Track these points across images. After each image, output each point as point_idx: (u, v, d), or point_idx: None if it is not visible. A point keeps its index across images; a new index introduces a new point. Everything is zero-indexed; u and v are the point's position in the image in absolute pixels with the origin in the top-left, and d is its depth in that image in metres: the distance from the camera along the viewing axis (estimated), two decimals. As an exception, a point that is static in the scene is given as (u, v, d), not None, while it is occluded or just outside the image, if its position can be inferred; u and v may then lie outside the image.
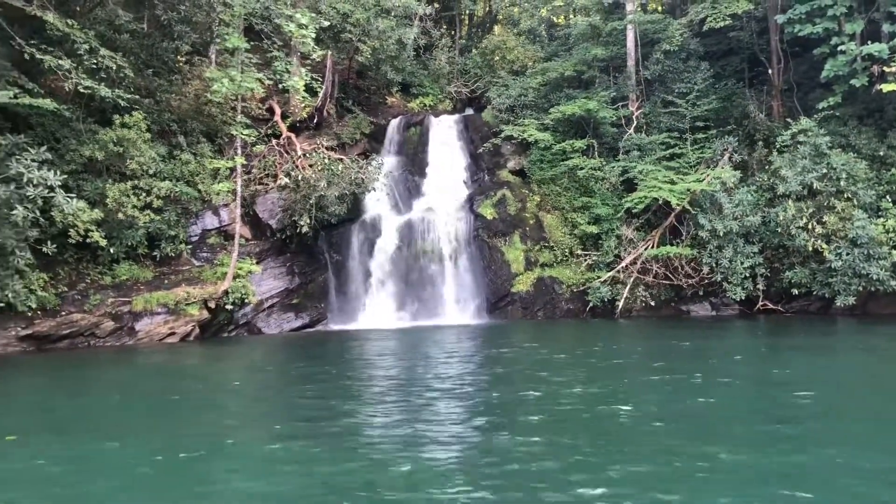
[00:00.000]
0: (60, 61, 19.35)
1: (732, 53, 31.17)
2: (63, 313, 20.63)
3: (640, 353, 17.90)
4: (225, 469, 8.41)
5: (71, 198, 19.10)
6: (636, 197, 25.42)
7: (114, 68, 20.18)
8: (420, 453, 8.56)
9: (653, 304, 25.59)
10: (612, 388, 12.71)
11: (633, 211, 25.77)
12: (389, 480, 7.59)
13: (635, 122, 28.49)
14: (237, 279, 23.01)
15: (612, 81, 30.24)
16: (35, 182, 18.31)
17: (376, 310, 26.42)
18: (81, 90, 19.80)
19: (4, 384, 15.18)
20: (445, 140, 30.23)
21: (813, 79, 27.17)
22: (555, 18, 38.78)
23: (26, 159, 18.52)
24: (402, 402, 11.79)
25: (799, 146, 24.31)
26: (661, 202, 25.33)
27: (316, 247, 26.71)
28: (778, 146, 25.13)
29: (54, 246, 19.55)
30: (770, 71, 28.90)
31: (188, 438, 9.66)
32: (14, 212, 17.95)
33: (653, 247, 25.62)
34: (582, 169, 26.96)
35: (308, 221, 24.60)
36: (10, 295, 18.78)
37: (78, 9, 22.51)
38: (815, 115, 24.96)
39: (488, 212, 27.39)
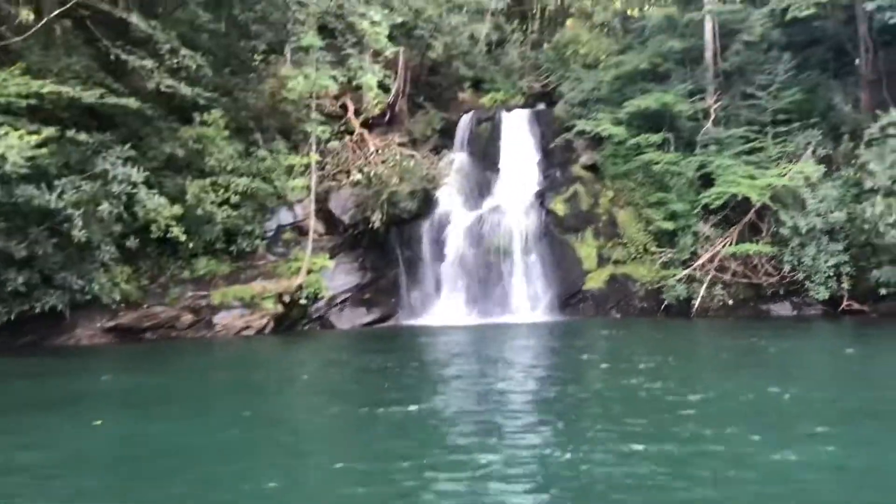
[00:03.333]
0: (144, 61, 19.99)
1: (817, 43, 29.87)
2: (145, 306, 21.33)
3: (737, 357, 16.47)
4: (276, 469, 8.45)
5: (153, 194, 19.73)
6: (714, 192, 24.69)
7: (194, 67, 20.71)
8: (487, 460, 8.34)
9: (730, 303, 24.78)
10: (737, 399, 11.25)
11: (711, 207, 25.01)
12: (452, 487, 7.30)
13: (713, 116, 27.62)
14: (311, 274, 23.34)
15: (688, 74, 29.37)
16: (119, 179, 18.98)
17: (446, 306, 26.40)
18: (163, 89, 20.39)
19: (91, 374, 15.76)
20: (517, 135, 29.93)
21: (905, 68, 25.87)
22: (629, 11, 37.96)
23: (111, 157, 19.22)
24: (471, 404, 11.64)
25: (889, 139, 23.14)
26: (740, 198, 24.52)
27: (387, 243, 26.89)
28: (866, 139, 23.97)
29: (137, 240, 20.18)
30: (857, 61, 27.58)
31: (244, 446, 9.80)
32: (100, 207, 18.64)
33: (731, 244, 24.83)
34: (657, 164, 26.30)
35: (380, 217, 24.80)
36: (96, 287, 19.53)
37: (160, 10, 23.19)
38: (907, 107, 23.73)
39: (560, 207, 27.06)
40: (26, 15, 17.95)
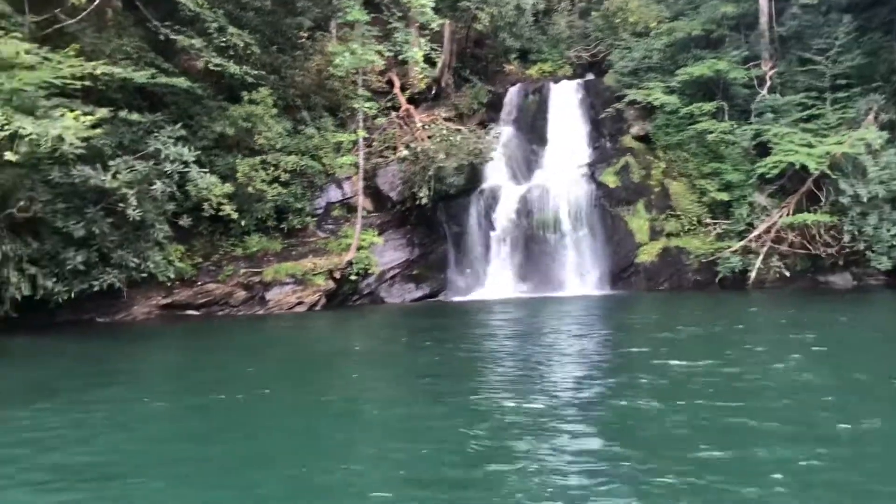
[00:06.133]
0: (192, 41, 20.13)
1: (879, 4, 28.61)
2: (199, 283, 21.69)
3: (810, 331, 15.29)
4: (339, 429, 8.54)
5: (204, 173, 19.93)
6: (770, 162, 24.00)
7: (241, 46, 20.79)
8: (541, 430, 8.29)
9: (787, 274, 24.15)
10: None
11: (767, 177, 24.35)
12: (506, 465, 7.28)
13: (769, 83, 26.78)
14: (360, 250, 23.45)
15: (743, 40, 28.51)
16: (171, 158, 19.21)
17: (495, 280, 26.27)
18: (212, 68, 20.53)
19: (149, 349, 16.09)
20: (565, 107, 29.44)
21: (974, 27, 24.67)
22: (680, -24, 36.86)
23: (163, 136, 19.44)
24: (522, 375, 11.56)
25: (957, 102, 22.19)
26: (797, 167, 23.79)
27: (435, 218, 26.80)
28: (932, 103, 23.02)
29: (190, 219, 20.44)
30: (923, 21, 26.42)
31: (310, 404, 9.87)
32: (154, 187, 18.91)
33: (788, 214, 24.15)
34: (711, 133, 25.64)
35: (427, 193, 24.71)
36: (151, 266, 19.85)
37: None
38: (977, 68, 22.66)
39: (611, 180, 26.61)
40: (79, -3, 18.14)
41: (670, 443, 7.61)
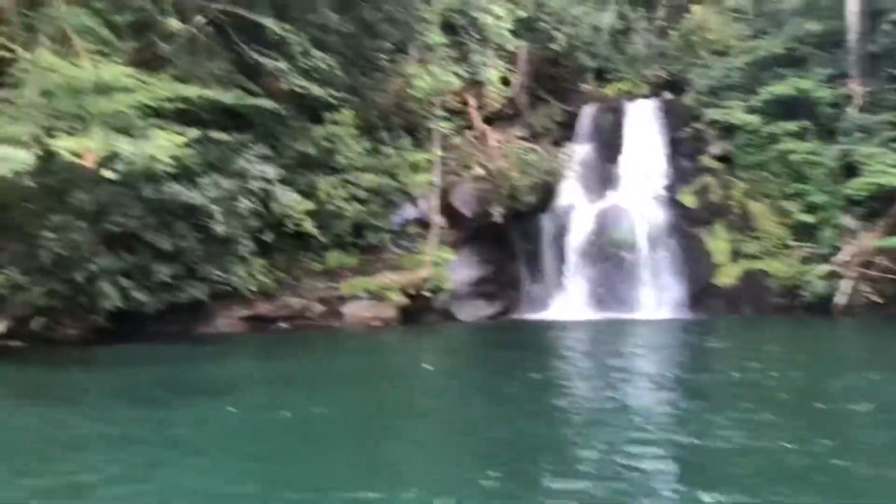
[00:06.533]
0: (278, 63, 20.82)
1: (976, 19, 27.47)
2: (279, 297, 22.30)
3: None
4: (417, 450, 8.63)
5: (287, 190, 20.58)
6: (859, 183, 23.21)
7: (325, 68, 21.39)
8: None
9: (879, 300, 23.19)
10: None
11: (855, 198, 23.55)
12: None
13: (858, 102, 25.94)
14: (434, 267, 23.70)
15: (828, 58, 27.72)
16: (256, 176, 19.90)
17: (568, 300, 26.08)
18: (296, 90, 21.16)
19: (234, 361, 16.62)
20: (642, 126, 29.09)
21: None
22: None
23: (249, 155, 20.16)
24: (603, 406, 11.37)
25: None
26: (888, 188, 22.94)
27: (508, 236, 26.86)
28: None
29: (272, 235, 21.09)
30: None
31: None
32: (239, 203, 19.62)
33: (879, 238, 23.27)
34: (795, 153, 24.96)
35: (501, 211, 24.85)
36: (234, 279, 20.58)
37: (293, 13, 24.05)
38: None
39: (689, 200, 26.16)
40: (175, 23, 19.04)
41: (771, 485, 7.13)
